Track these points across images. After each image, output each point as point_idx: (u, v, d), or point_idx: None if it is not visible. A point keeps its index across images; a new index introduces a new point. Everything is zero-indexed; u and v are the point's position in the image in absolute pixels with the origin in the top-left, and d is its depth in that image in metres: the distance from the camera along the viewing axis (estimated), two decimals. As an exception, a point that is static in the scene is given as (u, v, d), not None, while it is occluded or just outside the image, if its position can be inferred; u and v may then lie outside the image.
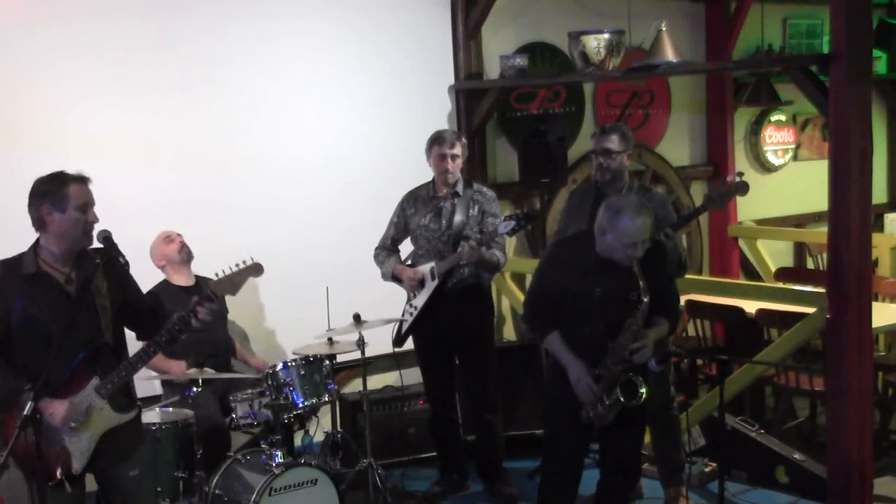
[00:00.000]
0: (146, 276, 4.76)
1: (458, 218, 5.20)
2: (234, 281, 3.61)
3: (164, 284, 5.24)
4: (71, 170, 3.51)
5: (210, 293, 3.56)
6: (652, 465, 5.38)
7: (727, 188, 4.73)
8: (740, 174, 4.65)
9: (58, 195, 3.42)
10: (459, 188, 5.26)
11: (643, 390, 4.00)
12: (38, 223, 3.48)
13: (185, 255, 5.26)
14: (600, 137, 4.86)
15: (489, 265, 5.16)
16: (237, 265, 3.63)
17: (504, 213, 5.40)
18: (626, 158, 4.84)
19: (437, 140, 5.25)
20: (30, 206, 3.48)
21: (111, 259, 3.48)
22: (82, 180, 3.48)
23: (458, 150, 5.22)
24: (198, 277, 5.27)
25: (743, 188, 4.69)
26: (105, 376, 3.49)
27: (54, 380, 3.38)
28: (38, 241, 3.52)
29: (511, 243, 5.79)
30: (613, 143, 4.80)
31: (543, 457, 4.44)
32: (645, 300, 3.96)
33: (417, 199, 5.35)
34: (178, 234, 5.30)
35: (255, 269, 3.65)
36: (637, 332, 4.01)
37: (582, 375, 4.06)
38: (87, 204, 3.47)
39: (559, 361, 4.15)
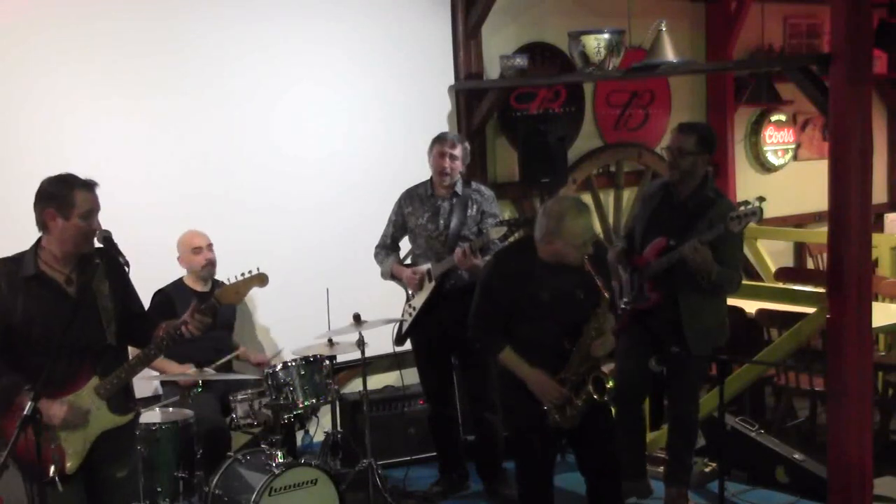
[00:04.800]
0: (149, 275, 4.76)
1: (455, 219, 5.19)
2: (239, 290, 3.64)
3: (179, 284, 5.27)
4: (80, 173, 3.47)
5: (213, 302, 3.56)
6: (653, 466, 5.38)
7: (746, 211, 4.52)
8: (761, 199, 4.54)
9: (63, 201, 3.39)
10: (458, 188, 5.26)
11: (610, 384, 4.05)
12: (41, 224, 3.45)
13: (207, 273, 5.28)
14: (678, 135, 4.77)
15: None
16: (242, 274, 3.66)
17: (504, 214, 5.39)
18: (700, 162, 4.72)
19: (439, 139, 5.26)
20: (35, 206, 3.45)
21: (111, 260, 3.48)
22: (89, 186, 3.45)
23: (458, 151, 5.21)
24: (214, 282, 5.28)
25: (759, 213, 4.54)
26: (105, 377, 3.48)
27: (55, 380, 3.35)
28: (39, 240, 3.50)
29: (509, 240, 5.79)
30: (689, 143, 4.70)
31: (518, 467, 4.41)
32: (606, 295, 3.99)
33: (415, 198, 5.34)
34: (209, 245, 5.29)
35: (260, 279, 3.67)
36: (599, 329, 4.04)
37: (545, 383, 4.08)
38: (92, 211, 3.44)
39: (515, 374, 4.15)
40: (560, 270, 4.07)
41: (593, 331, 4.05)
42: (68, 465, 3.45)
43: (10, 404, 3.36)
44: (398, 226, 5.40)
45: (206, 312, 3.54)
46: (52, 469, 3.40)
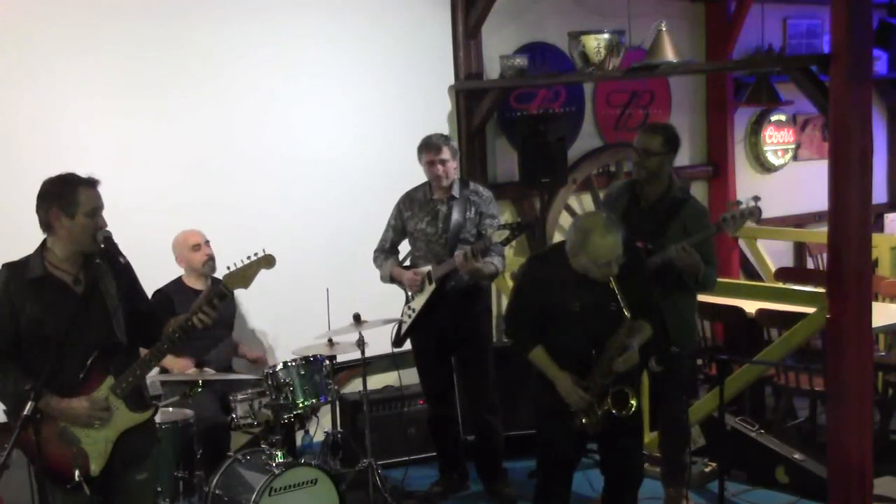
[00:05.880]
0: (148, 276, 4.74)
1: (454, 221, 5.17)
2: (247, 274, 3.59)
3: (178, 283, 5.26)
4: (81, 172, 3.46)
5: (223, 288, 3.54)
6: (652, 466, 5.38)
7: (742, 211, 4.59)
8: (756, 198, 4.55)
9: (67, 199, 3.37)
10: (455, 190, 5.24)
11: (633, 402, 4.02)
12: (46, 225, 3.43)
13: (209, 269, 5.26)
14: (643, 136, 4.79)
15: (485, 276, 5.13)
16: (249, 258, 3.61)
17: (504, 214, 5.39)
18: (667, 161, 4.75)
19: (424, 147, 5.24)
20: (38, 207, 3.43)
21: (113, 259, 3.47)
22: (92, 184, 3.44)
23: (446, 154, 5.19)
24: (213, 279, 5.28)
25: (757, 213, 4.58)
26: (119, 375, 3.46)
27: (68, 381, 3.36)
28: (44, 242, 3.48)
29: (511, 243, 5.80)
30: (655, 144, 4.72)
31: (539, 464, 4.44)
32: (627, 315, 3.95)
33: (413, 202, 5.33)
34: (206, 242, 5.29)
35: (267, 261, 3.62)
36: (622, 346, 4.01)
37: (570, 386, 4.08)
38: (97, 209, 3.43)
39: (545, 374, 4.16)
40: (592, 281, 4.04)
41: (614, 346, 4.02)
42: (92, 467, 3.43)
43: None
44: (398, 230, 5.40)
45: (215, 299, 3.51)
46: (76, 473, 3.37)
